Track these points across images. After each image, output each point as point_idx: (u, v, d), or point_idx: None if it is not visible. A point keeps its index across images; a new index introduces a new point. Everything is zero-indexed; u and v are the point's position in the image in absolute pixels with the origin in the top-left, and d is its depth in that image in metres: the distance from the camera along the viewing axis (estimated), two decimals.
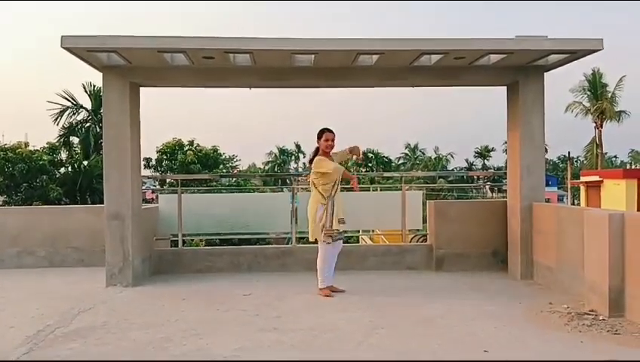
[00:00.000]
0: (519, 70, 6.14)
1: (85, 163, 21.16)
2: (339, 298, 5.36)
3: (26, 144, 20.11)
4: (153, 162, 22.40)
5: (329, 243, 5.35)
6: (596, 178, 24.67)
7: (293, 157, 65.25)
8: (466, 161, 63.52)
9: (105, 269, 5.99)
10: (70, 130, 24.39)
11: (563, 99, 42.73)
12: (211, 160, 22.00)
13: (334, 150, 5.63)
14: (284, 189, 9.45)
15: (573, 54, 5.64)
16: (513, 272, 6.36)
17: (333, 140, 5.51)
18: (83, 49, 5.32)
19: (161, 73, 6.09)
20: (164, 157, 21.82)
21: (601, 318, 4.46)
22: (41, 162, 19.00)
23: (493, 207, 6.92)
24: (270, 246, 8.52)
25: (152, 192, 14.08)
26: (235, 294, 5.57)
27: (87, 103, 24.68)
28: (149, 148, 22.08)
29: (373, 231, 9.40)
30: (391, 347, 3.94)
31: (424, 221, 7.54)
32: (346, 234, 6.04)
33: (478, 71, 6.15)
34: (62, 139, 23.95)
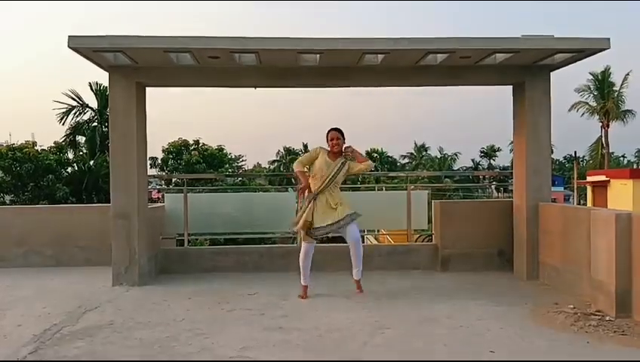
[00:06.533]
0: (525, 69, 6.11)
1: (91, 162, 21.25)
2: (344, 298, 5.36)
3: (34, 143, 20.21)
4: (159, 162, 22.48)
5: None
6: (603, 178, 24.55)
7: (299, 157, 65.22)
8: (472, 160, 63.40)
9: (111, 268, 6.02)
10: (76, 129, 24.54)
11: (570, 99, 42.52)
12: (217, 159, 22.04)
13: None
14: (290, 189, 9.45)
15: (580, 53, 5.61)
16: (519, 272, 6.34)
17: (337, 139, 5.41)
18: (89, 49, 5.34)
19: (167, 73, 6.10)
20: (170, 156, 21.88)
21: (607, 319, 4.44)
22: (47, 162, 19.09)
23: (499, 207, 6.89)
24: (276, 245, 8.52)
25: (158, 192, 14.12)
26: (240, 293, 5.57)
27: (94, 103, 24.84)
28: (155, 148, 22.19)
29: (378, 230, 9.39)
30: (396, 347, 3.94)
31: (429, 221, 7.53)
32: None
33: (484, 70, 6.13)
34: (68, 139, 24.11)
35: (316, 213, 5.32)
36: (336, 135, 5.44)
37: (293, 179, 5.58)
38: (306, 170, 5.50)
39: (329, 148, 5.46)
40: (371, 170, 5.77)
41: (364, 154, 5.59)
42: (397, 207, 7.33)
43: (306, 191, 5.39)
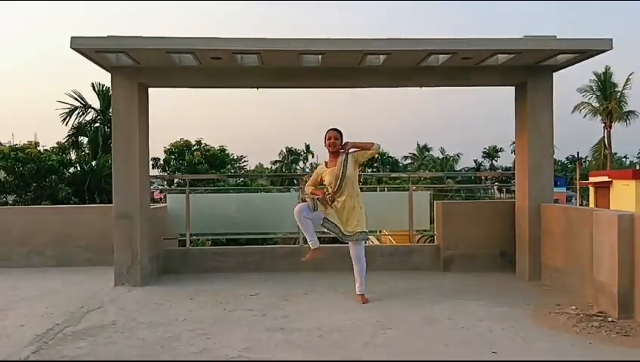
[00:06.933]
0: (527, 70, 6.11)
1: (94, 163, 21.26)
2: (345, 298, 5.36)
3: (37, 144, 20.24)
4: (161, 162, 22.51)
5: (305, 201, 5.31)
6: (605, 178, 24.52)
7: (301, 158, 65.48)
8: (475, 161, 63.40)
9: (113, 269, 6.03)
10: (79, 130, 24.57)
11: (572, 99, 42.50)
12: (219, 160, 22.05)
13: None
14: (292, 189, 9.45)
15: (582, 54, 5.60)
16: (521, 273, 6.33)
17: (335, 138, 5.33)
18: (92, 50, 5.35)
19: (169, 74, 6.11)
20: (172, 157, 21.91)
21: (610, 320, 4.43)
22: (50, 162, 19.10)
23: (501, 208, 6.88)
24: (277, 246, 8.53)
25: (160, 192, 14.15)
26: (242, 294, 5.58)
27: (96, 103, 24.88)
28: (157, 149, 22.23)
29: (380, 231, 9.39)
30: (398, 347, 3.94)
31: (431, 221, 7.52)
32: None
33: (486, 71, 6.13)
34: (71, 139, 24.14)
35: (332, 210, 5.29)
36: (333, 134, 5.37)
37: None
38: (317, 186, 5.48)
39: (328, 150, 5.42)
40: (377, 155, 5.62)
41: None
42: (399, 207, 7.32)
43: (327, 199, 5.32)
